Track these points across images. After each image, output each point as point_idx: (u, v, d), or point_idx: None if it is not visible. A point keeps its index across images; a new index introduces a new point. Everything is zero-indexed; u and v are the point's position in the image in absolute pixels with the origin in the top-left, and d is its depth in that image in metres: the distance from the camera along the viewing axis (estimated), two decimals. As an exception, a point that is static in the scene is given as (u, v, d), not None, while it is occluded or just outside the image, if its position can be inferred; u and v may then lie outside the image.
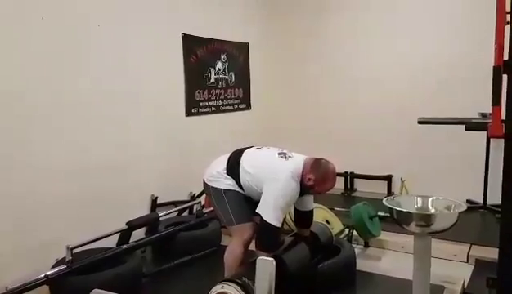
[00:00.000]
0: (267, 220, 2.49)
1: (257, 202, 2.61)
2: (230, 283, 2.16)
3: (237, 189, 2.71)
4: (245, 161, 2.71)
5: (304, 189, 2.65)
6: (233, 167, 2.73)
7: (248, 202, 2.72)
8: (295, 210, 2.94)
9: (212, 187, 2.76)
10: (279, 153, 2.72)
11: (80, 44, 3.42)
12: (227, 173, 2.73)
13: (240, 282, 2.16)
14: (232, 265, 2.65)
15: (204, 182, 2.84)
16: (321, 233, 3.07)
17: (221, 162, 2.79)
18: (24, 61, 3.05)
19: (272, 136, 5.23)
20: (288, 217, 3.73)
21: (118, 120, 3.74)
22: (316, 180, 2.60)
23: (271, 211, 2.51)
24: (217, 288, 2.19)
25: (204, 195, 4.30)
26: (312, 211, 2.96)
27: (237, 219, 2.68)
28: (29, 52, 3.08)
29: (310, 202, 2.92)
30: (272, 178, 2.56)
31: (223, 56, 5.01)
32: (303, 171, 2.61)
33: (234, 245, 2.69)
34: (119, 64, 3.75)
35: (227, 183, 2.71)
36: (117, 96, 3.72)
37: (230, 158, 2.79)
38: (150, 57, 4.05)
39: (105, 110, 3.62)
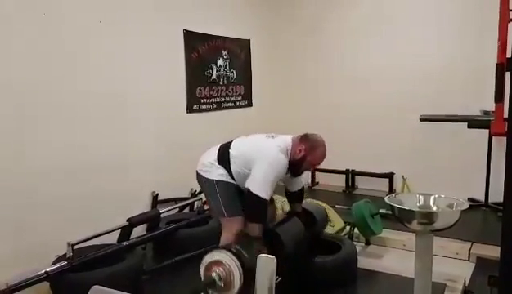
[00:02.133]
0: (254, 192, 2.49)
1: None
2: (221, 251, 2.14)
3: (229, 179, 2.70)
4: (234, 147, 2.74)
5: (294, 167, 2.68)
6: (223, 155, 2.73)
7: (239, 195, 2.72)
8: (286, 192, 2.99)
9: (204, 177, 2.77)
10: (266, 135, 2.78)
11: (81, 40, 3.41)
12: (218, 163, 2.73)
13: (231, 249, 2.14)
14: None
15: (196, 173, 2.85)
16: (315, 210, 3.09)
17: (212, 153, 2.81)
18: (23, 58, 3.04)
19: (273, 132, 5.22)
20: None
21: (118, 117, 3.73)
22: (306, 149, 2.65)
23: (258, 183, 2.52)
24: (209, 258, 2.16)
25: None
26: (302, 189, 3.00)
27: (228, 211, 2.68)
28: (29, 49, 3.07)
29: (299, 183, 2.97)
30: (261, 155, 2.60)
31: (225, 53, 5.00)
32: (292, 146, 2.66)
33: (227, 237, 2.69)
34: (120, 60, 3.74)
35: (219, 173, 2.71)
36: (118, 93, 3.71)
37: (220, 147, 2.81)
38: (152, 54, 4.04)
39: (106, 107, 3.61)
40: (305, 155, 2.65)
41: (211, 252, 2.19)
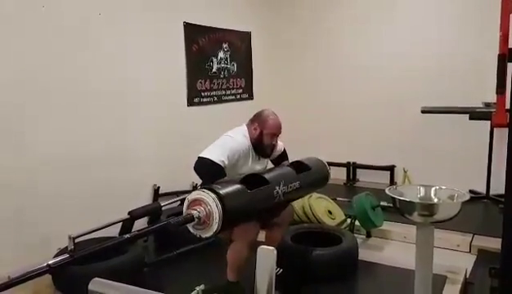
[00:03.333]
0: (199, 155, 2.52)
1: None
2: (204, 191, 2.12)
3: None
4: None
5: (259, 146, 2.69)
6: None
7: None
8: (271, 161, 2.98)
9: None
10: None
11: (81, 32, 3.40)
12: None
13: (214, 189, 2.12)
14: (236, 264, 2.58)
15: None
16: (310, 160, 2.96)
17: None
18: (24, 50, 3.04)
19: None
20: (300, 211, 3.73)
21: (119, 110, 3.73)
22: (259, 124, 2.68)
23: (206, 150, 2.54)
24: (192, 196, 2.16)
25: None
26: (283, 152, 3.03)
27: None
28: (29, 41, 3.06)
29: (276, 152, 2.94)
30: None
31: (225, 45, 4.98)
32: (248, 130, 2.70)
33: (238, 246, 2.57)
34: (120, 53, 3.73)
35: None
36: (118, 86, 3.70)
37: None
38: (152, 46, 4.02)
39: (106, 100, 3.61)
40: (261, 130, 2.67)
41: (195, 191, 2.19)
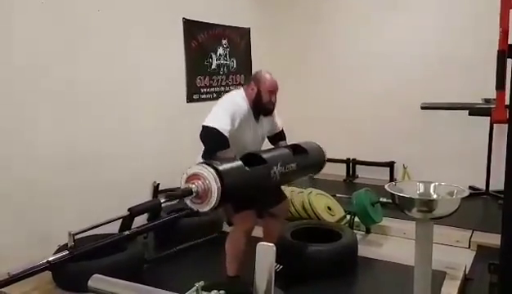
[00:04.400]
0: (203, 124, 2.48)
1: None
2: (204, 166, 2.12)
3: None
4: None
5: (258, 105, 2.68)
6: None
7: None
8: (268, 138, 2.97)
9: None
10: None
11: (80, 29, 3.39)
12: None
13: (213, 164, 2.12)
14: (235, 256, 2.61)
15: None
16: (310, 148, 2.96)
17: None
18: (23, 46, 3.03)
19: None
20: (297, 205, 3.73)
21: (118, 107, 3.73)
22: (255, 84, 2.68)
23: (208, 117, 2.50)
24: (190, 170, 2.15)
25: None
26: (281, 131, 3.01)
27: (237, 208, 2.59)
28: (27, 37, 3.05)
29: (275, 125, 2.95)
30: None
31: (224, 42, 4.97)
32: (245, 92, 2.69)
33: (235, 234, 2.62)
34: (119, 49, 3.72)
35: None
36: (117, 83, 3.70)
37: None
38: (151, 42, 4.01)
39: (106, 97, 3.61)
40: (258, 89, 2.67)
41: (194, 166, 2.18)
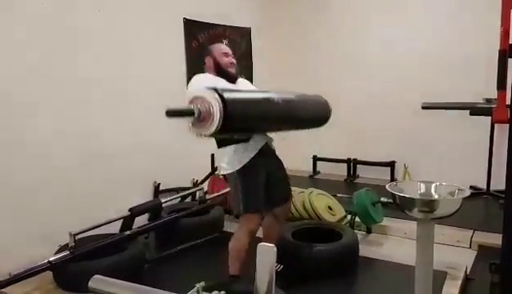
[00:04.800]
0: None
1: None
2: (211, 91, 2.09)
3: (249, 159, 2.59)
4: None
5: (223, 72, 2.69)
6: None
7: (261, 188, 2.64)
8: None
9: (225, 175, 2.70)
10: None
11: (81, 28, 3.39)
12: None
13: (219, 91, 2.08)
14: (238, 255, 2.60)
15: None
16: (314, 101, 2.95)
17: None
18: (24, 46, 3.03)
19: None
20: (298, 205, 3.73)
21: (119, 106, 3.73)
22: (209, 55, 2.75)
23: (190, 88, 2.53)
24: (196, 92, 2.14)
25: (207, 181, 4.31)
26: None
27: (246, 206, 2.58)
28: (29, 37, 3.06)
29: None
30: None
31: (225, 42, 4.96)
32: (206, 68, 2.75)
33: (240, 234, 2.62)
34: (120, 49, 3.72)
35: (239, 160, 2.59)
36: (118, 82, 3.70)
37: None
38: (152, 42, 4.02)
39: (106, 97, 3.61)
40: (213, 58, 2.72)
41: (198, 90, 2.17)
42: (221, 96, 2.06)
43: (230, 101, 2.08)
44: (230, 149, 2.61)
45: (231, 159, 2.61)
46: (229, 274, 2.64)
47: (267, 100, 2.41)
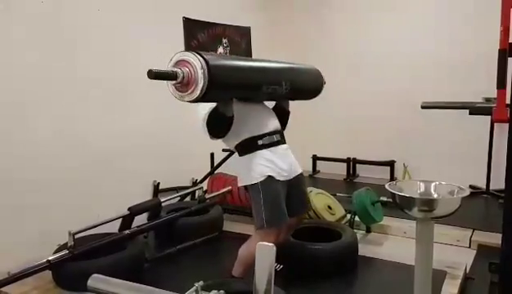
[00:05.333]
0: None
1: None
2: (196, 54, 2.05)
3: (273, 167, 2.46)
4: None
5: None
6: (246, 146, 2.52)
7: (284, 200, 2.49)
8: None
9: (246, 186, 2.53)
10: None
11: (80, 28, 3.39)
12: (244, 152, 2.52)
13: (204, 56, 2.05)
14: (245, 262, 2.48)
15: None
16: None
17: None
18: (23, 46, 3.03)
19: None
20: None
21: (118, 106, 3.72)
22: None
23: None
24: (181, 54, 2.10)
25: (207, 180, 4.31)
26: None
27: (269, 221, 2.41)
28: (27, 37, 3.05)
29: None
30: None
31: (225, 41, 4.95)
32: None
33: (254, 244, 2.44)
34: (119, 48, 3.72)
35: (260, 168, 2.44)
36: (117, 82, 3.69)
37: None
38: (151, 41, 4.00)
39: (105, 96, 3.60)
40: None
41: (182, 52, 2.14)
42: (206, 61, 2.02)
43: (214, 66, 2.04)
44: (252, 157, 2.49)
45: (254, 168, 2.46)
46: (231, 274, 2.61)
47: (253, 67, 2.37)
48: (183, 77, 2.03)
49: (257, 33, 5.44)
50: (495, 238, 2.97)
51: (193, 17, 4.46)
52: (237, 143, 2.55)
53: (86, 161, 3.45)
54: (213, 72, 2.03)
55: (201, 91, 2.03)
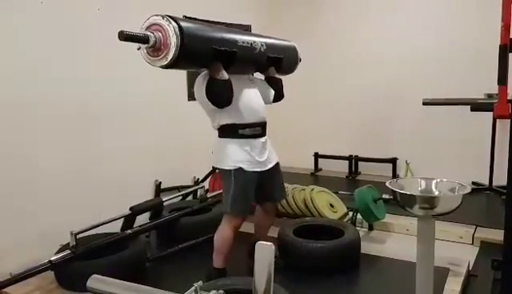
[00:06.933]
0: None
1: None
2: (169, 19, 2.03)
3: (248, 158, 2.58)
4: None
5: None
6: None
7: (252, 192, 2.67)
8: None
9: (219, 169, 2.71)
10: None
11: (80, 28, 3.39)
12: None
13: (178, 21, 2.03)
14: (222, 246, 2.67)
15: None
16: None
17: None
18: (23, 46, 3.03)
19: (276, 119, 5.19)
20: (299, 202, 3.72)
21: (119, 106, 3.72)
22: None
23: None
24: (155, 18, 2.08)
25: (209, 179, 4.31)
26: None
27: (233, 208, 2.62)
28: (27, 37, 3.05)
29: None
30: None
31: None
32: None
33: (224, 228, 2.67)
34: (120, 48, 3.70)
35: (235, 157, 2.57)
36: (118, 82, 3.69)
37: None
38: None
39: (107, 97, 3.60)
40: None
41: (156, 16, 2.10)
42: (179, 26, 2.00)
43: (188, 32, 2.02)
44: (232, 142, 2.59)
45: (231, 155, 2.59)
46: (213, 267, 2.70)
47: (227, 38, 2.37)
48: (155, 42, 2.01)
49: (257, 31, 5.44)
50: (498, 235, 2.96)
51: (193, 16, 4.47)
52: (220, 124, 2.62)
53: (87, 161, 3.45)
54: (186, 39, 2.01)
55: (173, 56, 2.02)
